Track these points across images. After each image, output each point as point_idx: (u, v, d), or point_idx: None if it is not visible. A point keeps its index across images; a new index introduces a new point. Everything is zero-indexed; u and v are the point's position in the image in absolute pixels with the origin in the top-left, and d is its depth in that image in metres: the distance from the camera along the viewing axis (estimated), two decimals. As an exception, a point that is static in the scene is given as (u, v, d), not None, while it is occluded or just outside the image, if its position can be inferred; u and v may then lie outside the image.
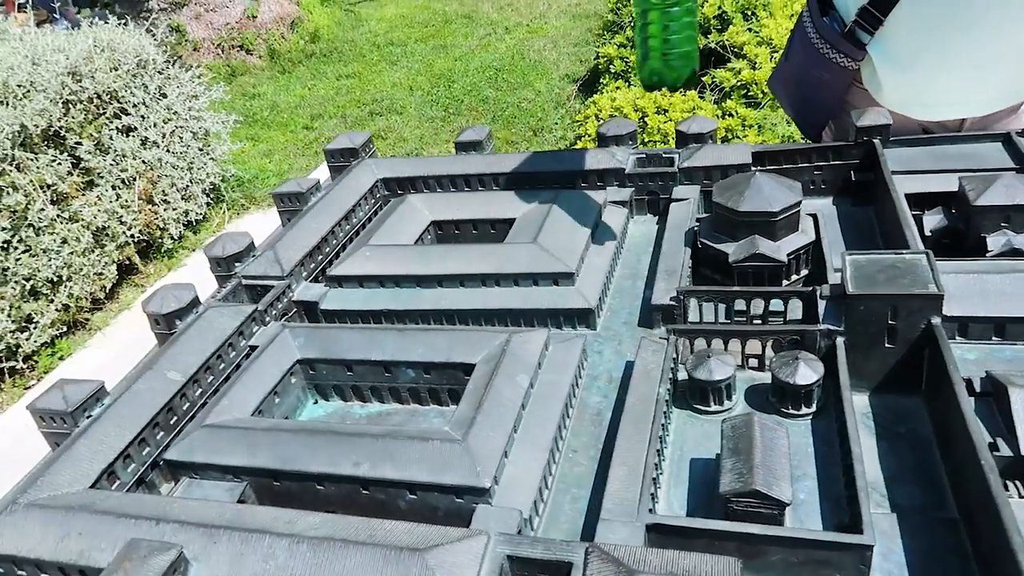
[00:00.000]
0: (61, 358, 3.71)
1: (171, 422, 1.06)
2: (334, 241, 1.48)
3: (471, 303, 1.24)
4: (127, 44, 4.33)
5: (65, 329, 3.79)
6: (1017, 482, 0.78)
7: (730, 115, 4.12)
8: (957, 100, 1.54)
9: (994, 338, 0.96)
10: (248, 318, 1.21)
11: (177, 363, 1.10)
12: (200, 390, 1.11)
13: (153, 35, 4.84)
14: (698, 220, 1.34)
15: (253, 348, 1.19)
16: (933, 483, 0.89)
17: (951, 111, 1.55)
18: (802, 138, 1.96)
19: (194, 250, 4.56)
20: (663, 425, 0.95)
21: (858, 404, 1.02)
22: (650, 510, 0.84)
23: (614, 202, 1.47)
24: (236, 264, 1.35)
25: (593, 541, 0.82)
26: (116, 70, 4.22)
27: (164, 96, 4.56)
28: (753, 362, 1.08)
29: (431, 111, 5.84)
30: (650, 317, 1.20)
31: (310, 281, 1.39)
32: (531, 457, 0.93)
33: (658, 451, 0.92)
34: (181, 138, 4.59)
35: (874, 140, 1.42)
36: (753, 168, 1.45)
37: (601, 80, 5.12)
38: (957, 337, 0.98)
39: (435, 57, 6.84)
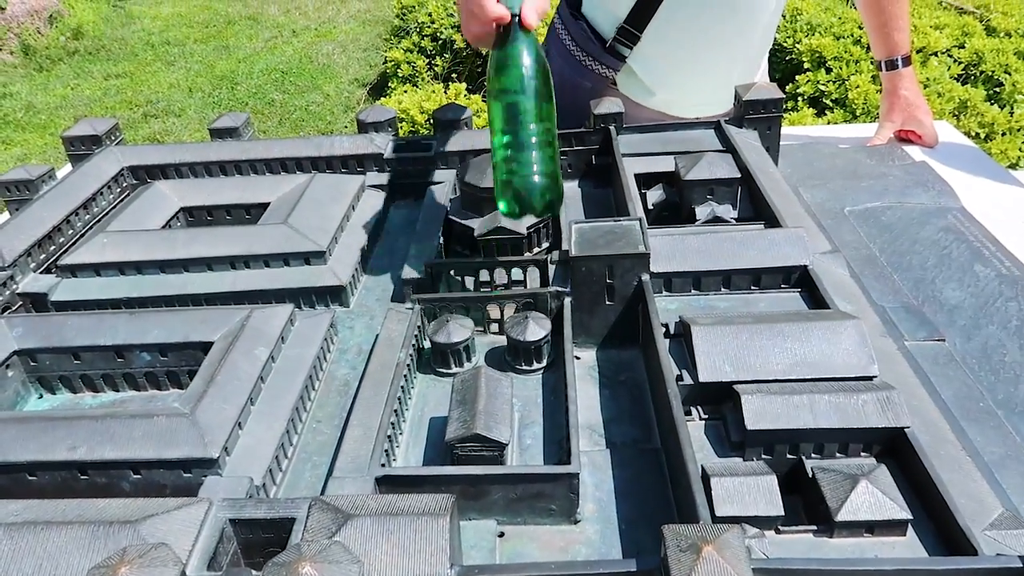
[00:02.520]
0: None
1: None
2: (71, 231, 1.38)
3: (219, 286, 1.21)
4: None
5: None
6: (699, 406, 0.89)
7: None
8: (703, 101, 1.76)
9: (692, 290, 1.09)
10: (-43, 312, 1.10)
11: None
12: None
13: None
14: (451, 200, 1.40)
15: (-35, 345, 1.08)
16: (645, 421, 0.99)
17: (699, 111, 1.75)
18: None
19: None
20: (403, 387, 0.98)
21: (587, 359, 1.11)
22: (383, 465, 0.86)
23: (373, 186, 1.50)
24: (-53, 256, 1.22)
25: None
26: None
27: None
28: (494, 327, 1.15)
29: (213, 114, 5.55)
30: (403, 292, 1.23)
31: (40, 273, 1.28)
32: (268, 428, 0.92)
33: (396, 412, 0.94)
34: (-91, 139, 4.03)
35: (609, 127, 1.55)
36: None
37: (389, 84, 5.15)
38: (664, 291, 1.09)
39: (216, 58, 6.52)
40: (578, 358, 1.11)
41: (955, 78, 4.05)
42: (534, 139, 0.98)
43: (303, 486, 0.92)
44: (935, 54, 4.11)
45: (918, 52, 4.05)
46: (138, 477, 0.85)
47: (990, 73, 4.09)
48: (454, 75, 5.01)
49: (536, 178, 0.98)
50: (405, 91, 4.79)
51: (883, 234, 1.40)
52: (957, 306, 1.20)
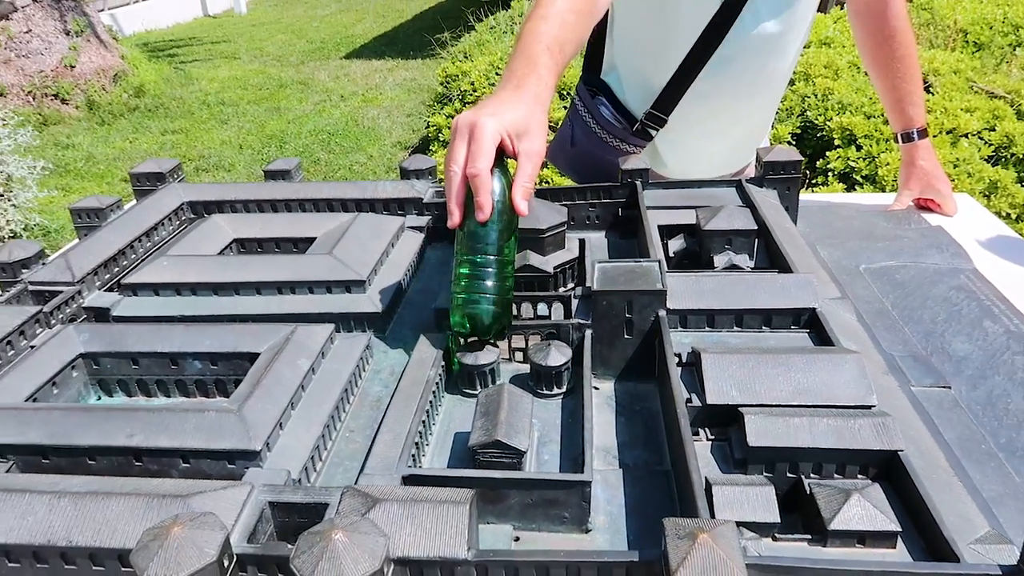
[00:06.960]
0: None
1: (-66, 413, 1.03)
2: (133, 255, 1.49)
3: (267, 309, 1.30)
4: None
5: None
6: (706, 428, 0.95)
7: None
8: (716, 164, 1.91)
9: (705, 327, 1.16)
10: (31, 318, 1.20)
11: (-54, 355, 1.08)
12: (-30, 384, 1.09)
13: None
14: (484, 242, 1.49)
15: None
16: (656, 446, 1.05)
17: (712, 173, 1.89)
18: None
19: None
20: (431, 402, 1.06)
21: (605, 389, 1.18)
22: (409, 466, 0.93)
23: (412, 227, 1.60)
24: (24, 270, 1.33)
25: (353, 491, 0.90)
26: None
27: (-39, 135, 4.27)
28: (519, 355, 1.22)
29: (261, 170, 5.80)
30: (436, 325, 1.31)
31: (104, 290, 1.39)
32: (306, 430, 1.00)
33: (424, 422, 1.02)
34: (-21, 181, 4.30)
35: (636, 182, 1.65)
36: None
37: (431, 147, 5.35)
38: (679, 327, 1.16)
39: (268, 118, 6.84)
40: (596, 388, 1.18)
41: (986, 159, 4.11)
42: (492, 269, 1.07)
43: (336, 483, 0.98)
44: (966, 136, 4.18)
45: (948, 133, 4.13)
46: (187, 465, 0.93)
47: (1021, 156, 4.15)
48: (493, 141, 5.19)
49: (490, 306, 1.08)
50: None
51: (896, 290, 1.46)
52: (965, 358, 1.25)
